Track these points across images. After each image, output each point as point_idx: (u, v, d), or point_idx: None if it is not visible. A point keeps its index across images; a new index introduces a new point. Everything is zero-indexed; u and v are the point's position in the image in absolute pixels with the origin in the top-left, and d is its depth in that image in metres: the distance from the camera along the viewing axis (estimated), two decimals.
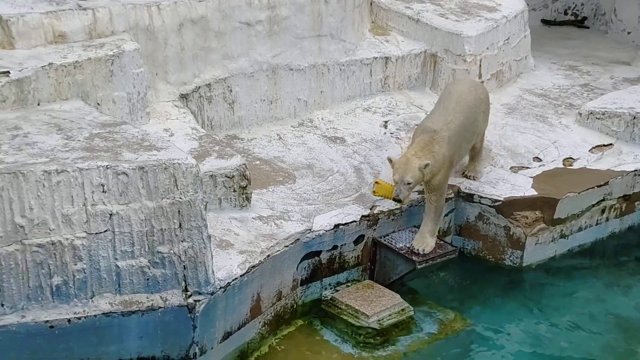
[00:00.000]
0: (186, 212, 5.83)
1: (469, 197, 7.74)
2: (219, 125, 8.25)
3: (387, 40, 9.35)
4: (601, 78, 10.19)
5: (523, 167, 8.20)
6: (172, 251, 5.86)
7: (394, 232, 7.36)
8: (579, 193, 7.84)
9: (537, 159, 8.36)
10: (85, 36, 7.15)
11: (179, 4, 7.72)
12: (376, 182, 7.24)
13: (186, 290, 5.94)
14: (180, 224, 5.84)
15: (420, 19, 9.36)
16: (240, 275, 6.25)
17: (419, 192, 7.30)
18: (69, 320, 5.72)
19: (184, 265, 5.90)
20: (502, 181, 7.89)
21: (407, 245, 7.19)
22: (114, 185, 5.68)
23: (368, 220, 7.22)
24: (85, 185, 5.62)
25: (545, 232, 7.77)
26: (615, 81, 10.09)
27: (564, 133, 8.82)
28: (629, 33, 11.57)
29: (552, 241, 7.87)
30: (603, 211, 8.12)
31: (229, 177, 6.87)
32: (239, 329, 6.46)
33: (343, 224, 7.08)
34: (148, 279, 5.87)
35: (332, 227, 7.01)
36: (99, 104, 6.94)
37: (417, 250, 7.13)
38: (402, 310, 7.03)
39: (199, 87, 8.00)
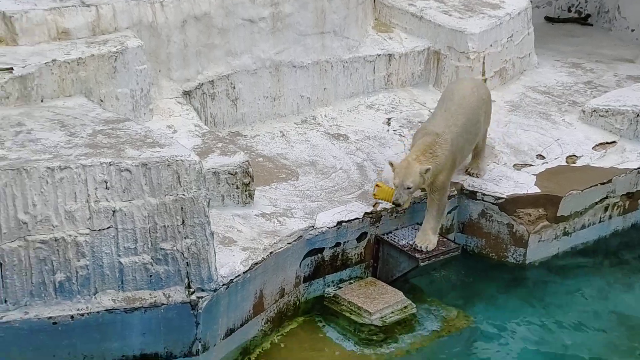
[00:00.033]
0: (189, 208, 5.84)
1: (472, 195, 7.74)
2: (222, 122, 8.25)
3: (391, 38, 9.35)
4: (605, 75, 10.18)
5: (526, 164, 8.19)
6: (175, 248, 5.86)
7: (396, 229, 7.36)
8: (582, 191, 7.84)
9: (541, 156, 8.35)
10: (88, 33, 7.15)
11: (182, 0, 7.71)
12: (377, 185, 7.23)
13: (189, 287, 5.95)
14: (183, 220, 5.84)
15: (423, 16, 9.35)
16: (243, 272, 6.25)
17: (422, 190, 7.30)
18: (72, 317, 5.72)
19: (187, 262, 5.90)
20: (505, 179, 7.89)
21: (410, 243, 7.19)
22: (117, 182, 5.68)
23: (371, 218, 7.21)
24: (89, 181, 5.63)
25: (548, 229, 7.76)
26: (619, 79, 10.08)
27: (568, 130, 8.81)
28: (632, 31, 11.54)
29: (555, 239, 7.86)
30: (606, 209, 8.11)
31: (232, 174, 6.87)
32: (241, 325, 6.46)
33: (346, 221, 7.07)
34: (151, 276, 5.87)
35: (335, 224, 7.01)
36: (102, 101, 6.94)
37: (420, 247, 7.12)
38: (405, 307, 7.03)
39: (202, 84, 8.00)
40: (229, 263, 6.22)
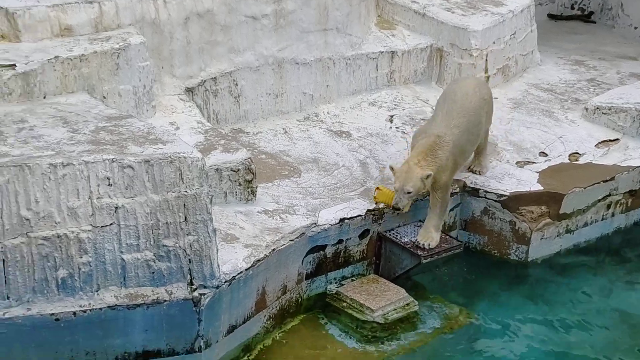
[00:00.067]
0: (192, 205, 5.84)
1: (475, 192, 7.73)
2: (224, 119, 8.25)
3: (393, 35, 9.34)
4: (608, 73, 10.17)
5: (529, 162, 8.18)
6: (177, 245, 5.86)
7: (399, 226, 7.36)
8: (584, 188, 7.83)
9: (543, 153, 8.35)
10: (91, 29, 7.15)
11: None
12: (377, 188, 7.21)
13: (191, 283, 5.95)
14: (185, 217, 5.84)
15: (426, 13, 9.34)
16: (246, 269, 6.25)
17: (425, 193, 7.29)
18: (74, 313, 5.73)
19: (190, 259, 5.90)
20: (507, 176, 7.88)
21: (413, 240, 7.19)
22: (120, 179, 5.68)
23: (373, 215, 7.21)
24: (91, 178, 5.63)
25: (550, 227, 7.76)
26: (622, 76, 10.07)
27: (570, 128, 8.81)
28: (635, 28, 11.53)
29: (557, 236, 7.86)
30: (609, 206, 8.10)
31: (234, 171, 6.87)
32: (243, 322, 6.46)
33: (348, 218, 7.07)
34: (153, 273, 5.87)
35: (337, 221, 7.01)
36: (104, 97, 6.94)
37: (422, 244, 7.12)
38: (407, 304, 7.03)
39: (205, 81, 8.00)
40: (231, 260, 6.22)
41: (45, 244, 5.59)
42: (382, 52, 9.08)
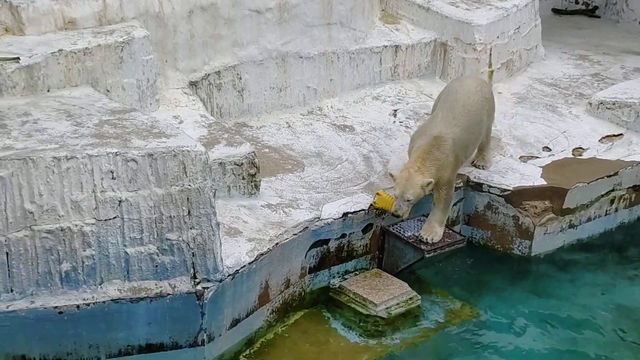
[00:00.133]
0: (195, 199, 5.84)
1: (478, 187, 7.73)
2: (228, 112, 8.25)
3: (397, 29, 9.33)
4: (612, 68, 10.14)
5: (532, 156, 8.18)
6: (180, 238, 5.86)
7: (402, 220, 7.35)
8: (588, 183, 7.82)
9: (547, 148, 8.34)
10: (95, 23, 7.14)
11: None
12: (377, 194, 7.19)
13: (195, 277, 5.96)
14: (189, 211, 5.84)
15: (430, 7, 9.33)
16: (249, 263, 6.26)
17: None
18: (77, 306, 5.74)
19: (193, 253, 5.91)
20: (511, 171, 7.87)
21: (416, 234, 7.19)
22: (123, 172, 5.69)
23: (377, 209, 7.21)
24: (95, 171, 5.63)
25: (554, 222, 7.76)
26: (626, 71, 10.05)
27: (574, 123, 8.79)
28: None
29: (560, 231, 7.86)
30: (612, 201, 8.10)
31: (238, 165, 6.87)
32: (247, 316, 6.47)
33: (352, 213, 7.07)
34: (157, 266, 5.88)
35: (340, 216, 7.01)
36: (108, 91, 6.94)
37: (426, 239, 7.12)
38: (410, 299, 7.03)
39: (209, 75, 7.99)
40: (234, 254, 6.23)
41: (48, 237, 5.60)
42: (386, 47, 9.06)
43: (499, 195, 7.68)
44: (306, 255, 6.91)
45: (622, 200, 8.15)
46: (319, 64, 8.69)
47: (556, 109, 9.05)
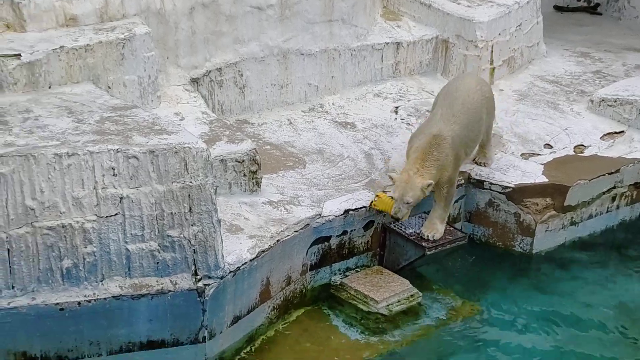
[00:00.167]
0: (196, 196, 5.84)
1: (479, 184, 7.73)
2: (229, 109, 8.25)
3: (399, 26, 9.32)
4: (613, 65, 10.14)
5: (534, 153, 8.17)
6: (182, 235, 5.87)
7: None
8: (589, 180, 7.82)
9: (548, 145, 8.33)
10: (96, 19, 7.14)
11: None
12: (377, 196, 7.17)
13: (196, 274, 5.96)
14: (190, 208, 5.85)
15: (432, 4, 9.32)
16: (250, 260, 6.26)
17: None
18: (79, 303, 5.74)
19: (194, 249, 5.91)
20: (512, 168, 7.87)
21: (417, 231, 7.19)
22: (125, 169, 5.69)
23: (376, 209, 7.20)
24: (96, 168, 5.63)
25: (555, 219, 7.75)
26: (628, 68, 10.04)
27: (576, 120, 8.79)
28: None
29: (562, 228, 7.85)
30: (614, 199, 8.09)
31: (239, 162, 6.87)
32: (248, 313, 6.47)
33: (353, 210, 7.07)
34: (158, 263, 5.88)
35: (342, 213, 7.01)
36: (109, 88, 6.94)
37: (427, 236, 7.12)
38: (411, 296, 7.04)
39: (210, 71, 7.99)
40: (235, 251, 6.23)
41: (50, 234, 5.60)
42: (387, 44, 9.06)
43: (500, 193, 7.68)
44: (307, 252, 6.91)
45: (623, 197, 8.15)
46: (321, 60, 8.69)
47: (558, 106, 9.05)
